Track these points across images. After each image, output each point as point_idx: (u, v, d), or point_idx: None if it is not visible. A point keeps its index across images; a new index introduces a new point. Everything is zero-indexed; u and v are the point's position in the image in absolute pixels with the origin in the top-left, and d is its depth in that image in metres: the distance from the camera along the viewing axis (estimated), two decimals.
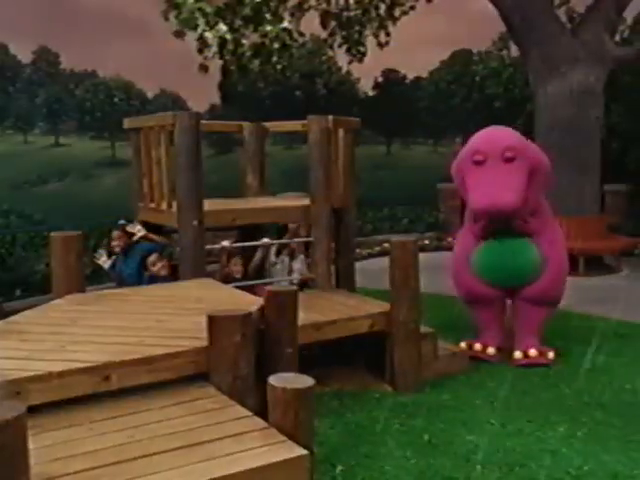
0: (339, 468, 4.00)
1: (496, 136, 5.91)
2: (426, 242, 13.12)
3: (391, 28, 13.89)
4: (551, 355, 6.06)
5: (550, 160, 6.06)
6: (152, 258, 6.07)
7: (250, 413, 3.28)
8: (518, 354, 6.04)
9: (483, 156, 5.67)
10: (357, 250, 11.49)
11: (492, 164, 5.61)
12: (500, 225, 5.91)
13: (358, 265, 8.27)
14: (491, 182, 5.53)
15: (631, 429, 4.56)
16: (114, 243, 6.51)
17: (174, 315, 4.48)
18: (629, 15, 15.17)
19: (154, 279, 6.01)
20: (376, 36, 13.99)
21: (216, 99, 53.45)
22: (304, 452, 2.85)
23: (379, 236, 13.06)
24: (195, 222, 5.84)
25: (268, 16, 11.53)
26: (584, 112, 10.79)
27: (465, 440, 4.39)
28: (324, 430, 4.51)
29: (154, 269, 6.06)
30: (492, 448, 4.25)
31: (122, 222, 6.67)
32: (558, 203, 10.11)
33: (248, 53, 12.53)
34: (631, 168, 14.15)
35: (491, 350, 6.16)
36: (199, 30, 10.60)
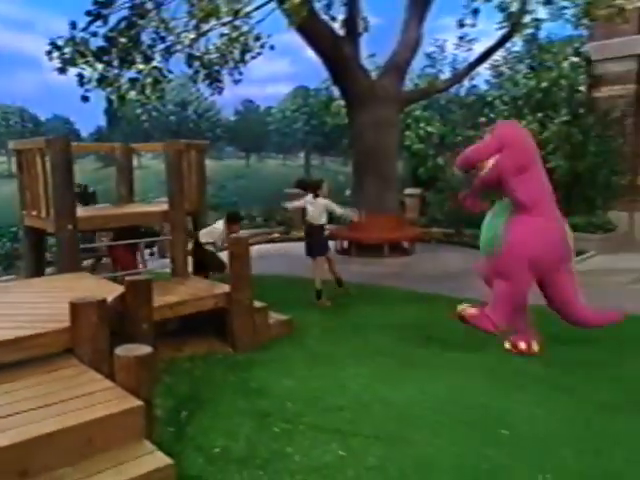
0: (184, 413, 4.08)
1: None
2: (276, 235, 13.44)
3: (243, 69, 14.00)
4: (528, 346, 5.30)
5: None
6: None
7: (102, 377, 3.33)
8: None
9: None
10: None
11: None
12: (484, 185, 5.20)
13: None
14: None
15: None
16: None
17: (48, 303, 4.36)
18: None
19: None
20: (231, 75, 14.05)
21: (103, 122, 50.84)
22: (140, 403, 2.96)
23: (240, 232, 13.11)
24: (70, 226, 5.67)
25: (139, 58, 11.19)
26: (385, 138, 11.47)
27: (282, 385, 4.62)
28: (175, 386, 4.57)
29: None
30: (300, 388, 4.52)
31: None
32: (368, 206, 10.83)
33: (125, 86, 12.09)
34: (423, 178, 15.42)
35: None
36: (78, 69, 10.10)
